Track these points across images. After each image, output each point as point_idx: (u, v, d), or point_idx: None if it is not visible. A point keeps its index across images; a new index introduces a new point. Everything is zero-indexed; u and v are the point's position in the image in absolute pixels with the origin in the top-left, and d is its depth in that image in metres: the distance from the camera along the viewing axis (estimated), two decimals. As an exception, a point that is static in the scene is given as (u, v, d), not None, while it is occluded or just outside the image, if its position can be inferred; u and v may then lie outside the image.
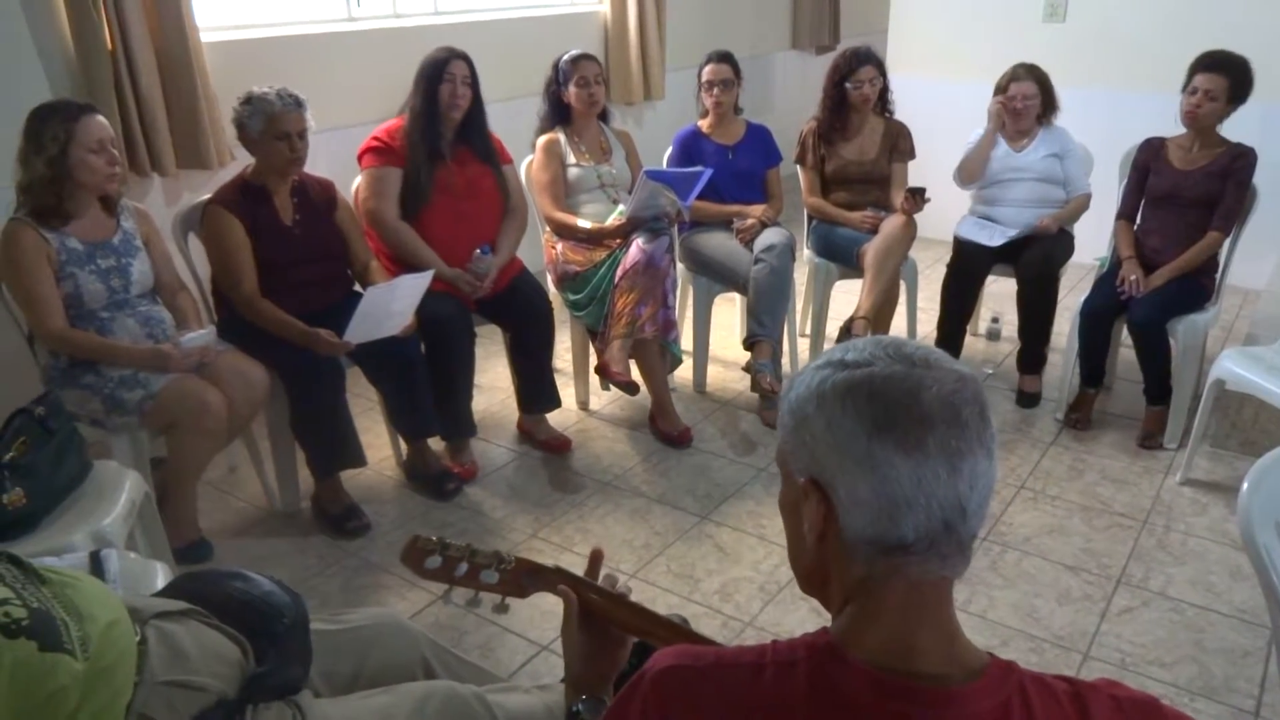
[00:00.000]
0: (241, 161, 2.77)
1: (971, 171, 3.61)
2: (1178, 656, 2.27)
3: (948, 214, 3.70)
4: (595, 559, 1.25)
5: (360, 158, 3.00)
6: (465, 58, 2.96)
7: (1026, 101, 3.49)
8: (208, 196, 2.72)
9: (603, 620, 1.16)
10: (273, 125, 2.59)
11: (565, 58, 3.31)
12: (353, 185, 3.06)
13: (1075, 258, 3.55)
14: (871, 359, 0.81)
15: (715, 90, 3.49)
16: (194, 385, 2.45)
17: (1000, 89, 3.54)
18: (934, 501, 0.77)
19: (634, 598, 1.21)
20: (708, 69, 3.51)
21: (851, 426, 0.78)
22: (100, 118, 2.40)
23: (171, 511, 2.52)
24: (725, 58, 3.50)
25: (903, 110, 3.69)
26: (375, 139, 2.98)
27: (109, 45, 2.82)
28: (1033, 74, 3.50)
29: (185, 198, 3.14)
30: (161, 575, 1.87)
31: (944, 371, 0.80)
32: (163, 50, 2.97)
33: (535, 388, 3.22)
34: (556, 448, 3.22)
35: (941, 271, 3.63)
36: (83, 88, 2.84)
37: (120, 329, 2.46)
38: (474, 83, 2.99)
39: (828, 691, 0.79)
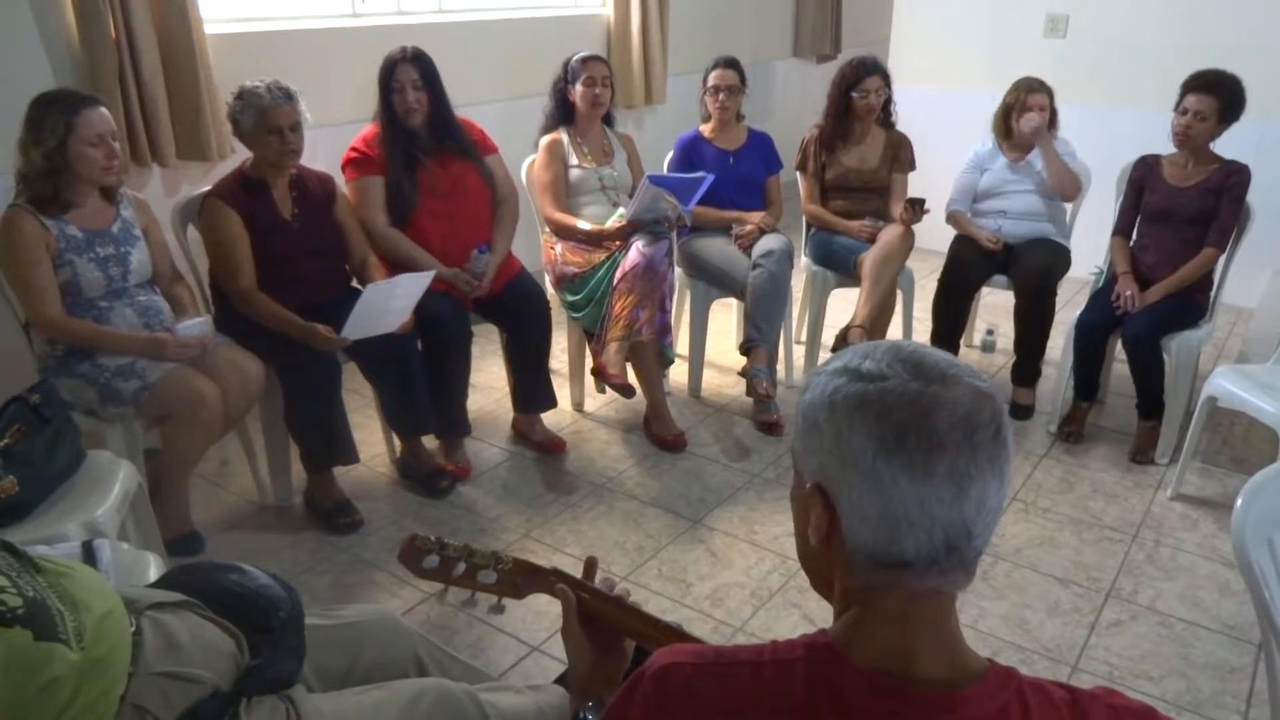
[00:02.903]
0: (241, 154, 2.76)
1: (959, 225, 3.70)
2: (1165, 670, 2.28)
3: (945, 225, 3.72)
4: (590, 565, 1.25)
5: (343, 169, 2.99)
6: (415, 58, 2.89)
7: (1042, 113, 3.50)
8: (207, 189, 2.72)
9: (601, 622, 1.16)
10: (264, 119, 2.57)
11: (576, 57, 3.31)
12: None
13: (1071, 271, 3.56)
14: (887, 373, 0.79)
15: (721, 95, 3.50)
16: (190, 377, 2.44)
17: (1017, 104, 3.54)
18: (938, 524, 0.77)
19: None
20: (715, 74, 3.52)
21: (859, 443, 0.78)
22: (103, 110, 2.38)
23: (164, 503, 2.52)
24: (732, 64, 3.51)
25: (903, 121, 3.71)
26: (353, 149, 2.96)
27: (113, 34, 2.82)
28: (1045, 88, 3.52)
29: (184, 189, 3.13)
30: (154, 567, 1.86)
31: (963, 389, 0.78)
32: (166, 41, 2.96)
33: (531, 388, 3.22)
34: (551, 448, 3.22)
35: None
36: (86, 76, 2.84)
37: (118, 318, 2.45)
38: (429, 82, 2.91)
39: (826, 692, 0.80)
